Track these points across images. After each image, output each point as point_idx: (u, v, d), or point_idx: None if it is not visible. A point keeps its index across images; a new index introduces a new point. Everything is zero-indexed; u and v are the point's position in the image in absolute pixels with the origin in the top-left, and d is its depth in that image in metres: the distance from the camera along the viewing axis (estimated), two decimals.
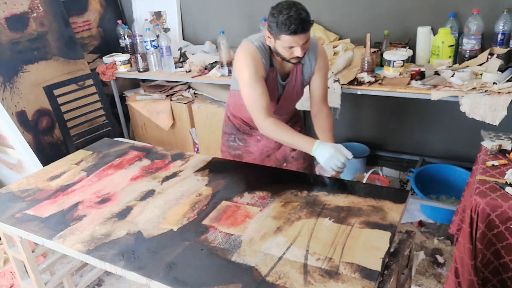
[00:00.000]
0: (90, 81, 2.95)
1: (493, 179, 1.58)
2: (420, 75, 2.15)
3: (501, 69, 2.00)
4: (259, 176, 1.65)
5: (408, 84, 2.12)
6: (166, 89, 3.17)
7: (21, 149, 2.31)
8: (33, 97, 2.92)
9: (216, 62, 2.87)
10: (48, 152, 3.01)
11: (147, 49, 2.97)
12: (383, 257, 1.12)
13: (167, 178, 1.66)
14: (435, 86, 2.04)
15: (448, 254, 2.21)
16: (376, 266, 1.09)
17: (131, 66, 3.14)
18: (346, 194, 1.44)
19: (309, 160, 2.03)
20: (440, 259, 2.18)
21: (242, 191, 1.51)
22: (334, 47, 2.59)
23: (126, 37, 3.26)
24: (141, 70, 3.03)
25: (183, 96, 3.12)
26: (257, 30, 2.89)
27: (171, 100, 3.11)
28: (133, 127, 3.47)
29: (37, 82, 2.94)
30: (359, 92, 2.22)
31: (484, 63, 2.15)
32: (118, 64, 3.10)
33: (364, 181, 2.74)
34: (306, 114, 3.17)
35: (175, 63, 2.96)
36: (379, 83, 2.20)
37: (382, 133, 2.98)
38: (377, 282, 1.05)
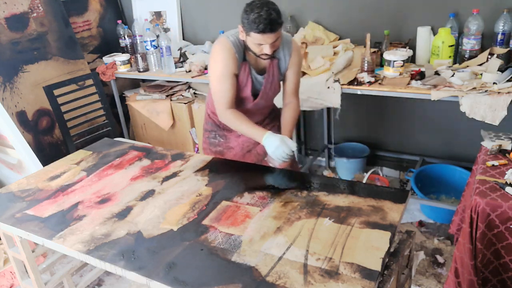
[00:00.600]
0: (90, 81, 2.95)
1: (493, 179, 1.58)
2: (420, 75, 2.15)
3: (501, 69, 2.00)
4: (259, 176, 1.65)
5: (408, 84, 2.12)
6: (166, 89, 3.17)
7: (21, 149, 2.31)
8: (33, 97, 2.92)
9: None
10: (48, 152, 3.01)
11: (147, 49, 2.97)
12: (383, 257, 1.12)
13: (167, 178, 1.66)
14: (435, 86, 2.04)
15: (448, 254, 2.21)
16: (376, 266, 1.09)
17: (131, 66, 3.14)
18: (346, 194, 1.44)
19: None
20: (440, 259, 2.18)
21: (242, 191, 1.51)
22: (334, 47, 2.59)
23: (126, 37, 3.26)
24: (141, 70, 3.03)
25: (183, 96, 3.13)
26: None
27: (171, 100, 3.11)
28: (133, 127, 3.47)
29: (37, 82, 2.94)
30: (359, 92, 2.22)
31: (484, 63, 2.15)
32: (118, 64, 3.10)
33: (364, 181, 2.75)
34: (306, 113, 3.17)
35: (175, 63, 2.96)
36: (379, 83, 2.20)
37: (382, 133, 2.98)
38: (377, 282, 1.05)
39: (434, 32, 2.37)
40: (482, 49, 2.24)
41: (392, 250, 1.26)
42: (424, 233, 2.41)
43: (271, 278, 1.08)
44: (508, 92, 1.87)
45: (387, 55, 2.19)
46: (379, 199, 1.39)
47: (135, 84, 3.59)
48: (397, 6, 2.52)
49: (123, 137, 3.39)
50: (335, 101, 2.27)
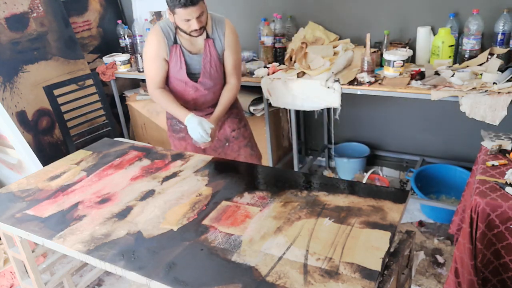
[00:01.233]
0: (90, 81, 2.95)
1: (493, 179, 1.58)
2: (420, 75, 2.15)
3: (501, 69, 2.00)
4: (259, 176, 1.65)
5: (408, 84, 2.12)
6: None
7: (21, 149, 2.31)
8: (33, 97, 2.92)
9: None
10: (48, 152, 3.01)
11: None
12: (383, 257, 1.12)
13: (167, 178, 1.66)
14: (435, 86, 2.04)
15: (448, 254, 2.21)
16: (376, 266, 1.09)
17: (131, 66, 3.14)
18: (346, 194, 1.44)
19: (249, 137, 2.25)
20: (440, 259, 2.18)
21: (242, 191, 1.51)
22: (334, 47, 2.59)
23: (126, 37, 3.26)
24: (141, 70, 3.03)
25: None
26: (257, 30, 2.90)
27: None
28: (133, 127, 3.47)
29: (37, 82, 2.94)
30: (359, 92, 2.22)
31: (484, 63, 2.15)
32: (118, 64, 3.10)
33: (364, 181, 2.75)
34: (306, 113, 3.17)
35: None
36: (379, 83, 2.20)
37: (382, 133, 2.98)
38: (377, 282, 1.05)
39: (434, 32, 2.37)
40: (482, 49, 2.24)
41: (392, 250, 1.26)
42: (424, 233, 2.41)
43: (271, 278, 1.08)
44: (508, 92, 1.87)
45: (387, 55, 2.19)
46: (379, 199, 1.39)
47: (135, 84, 3.59)
48: (397, 6, 2.52)
49: (123, 137, 3.39)
50: (335, 101, 2.27)
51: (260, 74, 2.52)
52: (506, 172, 1.60)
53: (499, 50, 2.14)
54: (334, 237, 1.22)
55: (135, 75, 3.09)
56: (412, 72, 2.20)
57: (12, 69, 2.83)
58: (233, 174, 1.66)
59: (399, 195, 1.40)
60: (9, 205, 1.58)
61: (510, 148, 1.77)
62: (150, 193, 1.56)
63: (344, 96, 2.26)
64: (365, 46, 2.29)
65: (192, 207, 1.44)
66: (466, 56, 2.25)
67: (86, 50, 3.34)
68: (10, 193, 1.68)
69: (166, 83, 2.02)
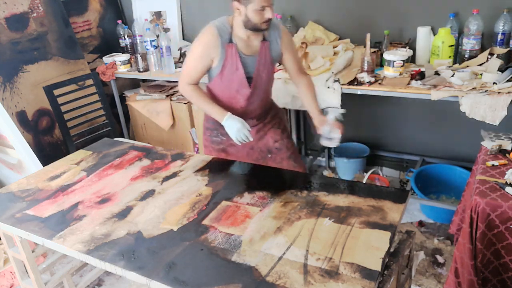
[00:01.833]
0: (90, 81, 2.95)
1: (493, 179, 1.58)
2: (420, 75, 2.15)
3: (501, 69, 2.00)
4: (259, 176, 1.65)
5: (408, 84, 2.12)
6: (166, 89, 3.16)
7: (21, 149, 2.31)
8: (33, 97, 2.92)
9: None
10: (48, 152, 3.01)
11: (147, 49, 2.97)
12: (383, 257, 1.12)
13: (167, 178, 1.66)
14: (435, 86, 2.04)
15: (448, 254, 2.21)
16: (376, 266, 1.09)
17: (131, 66, 3.14)
18: (346, 194, 1.44)
19: (292, 149, 2.13)
20: (440, 259, 2.18)
21: (242, 191, 1.51)
22: (334, 47, 2.59)
23: (126, 37, 3.26)
24: (141, 70, 3.03)
25: (183, 96, 3.12)
26: None
27: (171, 100, 3.10)
28: (133, 127, 3.47)
29: (37, 82, 2.94)
30: (359, 92, 2.22)
31: (484, 63, 2.15)
32: (118, 64, 3.10)
33: (364, 181, 2.75)
34: (306, 113, 3.17)
35: (175, 63, 2.96)
36: (379, 83, 2.20)
37: (382, 133, 2.98)
38: (377, 282, 1.05)
39: (434, 32, 2.37)
40: (482, 49, 2.24)
41: (392, 250, 1.26)
42: (424, 233, 2.41)
43: (271, 278, 1.08)
44: (508, 92, 1.87)
45: (387, 55, 2.19)
46: (379, 199, 1.39)
47: (135, 84, 3.59)
48: (397, 6, 2.52)
49: (123, 137, 3.39)
50: (335, 101, 2.27)
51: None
52: (506, 172, 1.60)
53: (499, 50, 2.14)
54: (334, 237, 1.22)
55: (135, 75, 3.09)
56: (412, 72, 2.20)
57: (12, 69, 2.83)
58: (233, 174, 1.66)
59: (399, 195, 1.40)
60: (9, 205, 1.58)
61: (510, 148, 1.77)
62: (150, 193, 1.56)
63: (344, 96, 2.26)
64: (365, 46, 2.29)
65: (192, 207, 1.44)
66: (466, 56, 2.25)
67: (86, 50, 3.34)
68: (10, 193, 1.68)
69: (215, 92, 1.94)
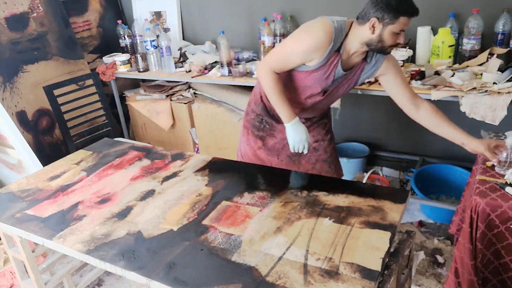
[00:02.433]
0: (90, 81, 2.95)
1: (493, 179, 1.58)
2: (420, 75, 2.15)
3: (501, 69, 2.00)
4: (259, 176, 1.65)
5: (408, 84, 2.12)
6: (166, 89, 3.17)
7: (21, 149, 2.31)
8: (33, 97, 2.92)
9: (216, 62, 2.87)
10: (48, 152, 3.01)
11: (147, 49, 2.97)
12: (383, 257, 1.12)
13: (167, 178, 1.66)
14: (435, 86, 2.04)
15: (448, 254, 2.21)
16: (376, 266, 1.09)
17: (131, 66, 3.14)
18: (346, 194, 1.44)
19: (331, 152, 2.03)
20: (440, 259, 2.18)
21: (242, 191, 1.51)
22: None
23: (126, 37, 3.26)
24: (141, 70, 3.03)
25: (183, 96, 3.13)
26: (257, 30, 2.90)
27: (171, 100, 3.11)
28: (133, 127, 3.47)
29: (37, 82, 2.94)
30: (359, 92, 2.22)
31: (484, 63, 2.15)
32: (118, 64, 3.10)
33: (364, 181, 2.75)
34: None
35: (175, 63, 2.96)
36: (379, 83, 2.19)
37: (382, 133, 2.98)
38: (377, 282, 1.05)
39: (434, 32, 2.37)
40: (482, 49, 2.24)
41: (392, 250, 1.26)
42: (424, 233, 2.41)
43: (271, 278, 1.08)
44: (508, 92, 1.87)
45: None
46: (379, 199, 1.39)
47: (135, 84, 3.59)
48: None
49: (123, 137, 3.39)
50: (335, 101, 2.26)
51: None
52: (506, 172, 1.60)
53: (499, 50, 2.14)
54: (334, 237, 1.22)
55: (135, 75, 3.09)
56: (412, 72, 2.20)
57: (12, 69, 2.83)
58: (233, 174, 1.66)
59: (399, 195, 1.40)
60: (9, 205, 1.58)
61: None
62: (150, 193, 1.56)
63: (344, 96, 2.25)
64: None
65: (192, 207, 1.44)
66: (466, 56, 2.25)
67: (86, 50, 3.34)
68: (10, 193, 1.68)
69: (289, 79, 1.75)
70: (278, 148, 1.97)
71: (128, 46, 3.28)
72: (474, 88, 1.95)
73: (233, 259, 1.17)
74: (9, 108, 2.79)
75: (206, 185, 1.58)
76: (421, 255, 2.21)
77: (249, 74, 2.61)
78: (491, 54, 2.14)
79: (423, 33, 2.36)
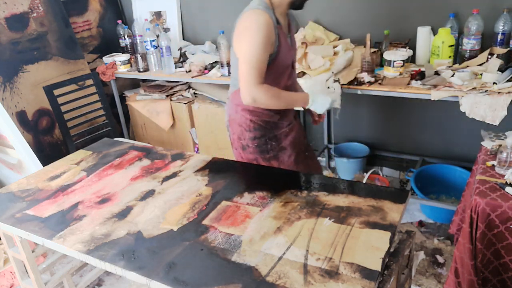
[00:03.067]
0: (90, 81, 2.95)
1: (493, 179, 1.58)
2: (420, 75, 2.15)
3: (501, 69, 2.00)
4: (259, 176, 1.65)
5: (408, 84, 2.12)
6: (166, 89, 3.17)
7: (21, 149, 2.31)
8: (33, 97, 2.92)
9: (216, 62, 2.87)
10: (48, 152, 3.01)
11: (147, 49, 2.97)
12: (383, 257, 1.12)
13: (167, 178, 1.66)
14: (435, 86, 2.04)
15: (448, 254, 2.21)
16: (376, 266, 1.09)
17: (131, 66, 3.14)
18: (346, 194, 1.44)
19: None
20: (440, 259, 2.18)
21: (242, 191, 1.51)
22: (334, 47, 2.59)
23: (126, 37, 3.26)
24: (141, 70, 3.03)
25: (183, 96, 3.13)
26: None
27: (171, 100, 3.11)
28: (133, 127, 3.47)
29: (37, 82, 2.94)
30: (359, 92, 2.22)
31: (484, 63, 2.15)
32: (118, 64, 3.10)
33: (364, 181, 2.75)
34: (306, 113, 3.17)
35: (175, 63, 2.96)
36: (379, 83, 2.20)
37: (382, 133, 2.98)
38: (377, 282, 1.05)
39: (434, 32, 2.37)
40: (482, 49, 2.24)
41: (392, 250, 1.26)
42: (424, 233, 2.41)
43: (271, 278, 1.08)
44: (508, 92, 1.87)
45: (387, 55, 2.19)
46: (379, 199, 1.39)
47: (135, 84, 3.59)
48: (397, 6, 2.52)
49: (123, 137, 3.39)
50: (335, 101, 2.27)
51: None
52: (506, 172, 1.60)
53: (499, 50, 2.14)
54: (334, 237, 1.22)
55: (135, 75, 3.09)
56: (412, 72, 2.20)
57: (12, 69, 2.83)
58: (233, 174, 1.66)
59: (399, 195, 1.40)
60: (9, 205, 1.58)
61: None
62: (150, 193, 1.56)
63: (344, 96, 2.26)
64: (365, 46, 2.29)
65: (192, 207, 1.44)
66: (466, 56, 2.25)
67: (86, 50, 3.34)
68: (10, 193, 1.68)
69: (271, 76, 1.73)
70: (292, 161, 1.89)
71: (128, 46, 3.28)
72: (474, 88, 1.95)
73: (233, 259, 1.17)
74: (9, 108, 2.79)
75: (206, 185, 1.58)
76: (421, 255, 2.21)
77: None
78: (491, 54, 2.14)
79: (423, 33, 2.36)
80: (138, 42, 3.21)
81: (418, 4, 2.46)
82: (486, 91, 1.92)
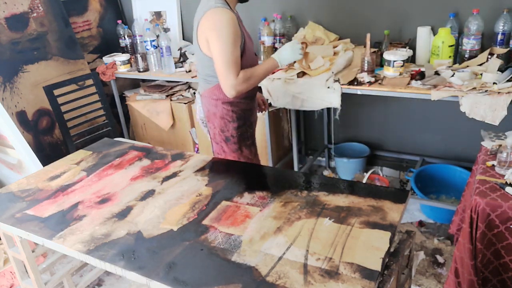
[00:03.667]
0: (90, 81, 2.95)
1: (493, 179, 1.58)
2: (420, 75, 2.15)
3: (501, 69, 2.00)
4: (259, 176, 1.65)
5: (408, 84, 2.12)
6: (166, 89, 3.17)
7: (21, 149, 2.31)
8: (33, 97, 2.92)
9: None
10: (48, 152, 3.01)
11: (147, 49, 2.97)
12: (383, 257, 1.12)
13: (167, 178, 1.66)
14: (435, 86, 2.04)
15: (448, 254, 2.21)
16: (376, 266, 1.09)
17: (131, 66, 3.14)
18: (346, 194, 1.44)
19: None
20: (440, 259, 2.18)
21: (242, 191, 1.51)
22: (334, 47, 2.59)
23: (126, 37, 3.26)
24: (141, 70, 3.03)
25: (183, 96, 3.13)
26: (257, 30, 2.90)
27: (171, 100, 3.11)
28: (133, 127, 3.47)
29: (37, 82, 2.94)
30: (359, 92, 2.22)
31: (484, 63, 2.15)
32: (118, 64, 3.10)
33: (364, 181, 2.75)
34: (306, 113, 3.17)
35: (175, 63, 2.96)
36: (379, 83, 2.20)
37: (382, 133, 2.98)
38: (377, 282, 1.05)
39: (434, 32, 2.37)
40: (482, 49, 2.24)
41: (392, 250, 1.26)
42: (424, 233, 2.41)
43: (271, 278, 1.08)
44: (508, 92, 1.87)
45: (387, 55, 2.19)
46: (379, 199, 1.39)
47: (135, 84, 3.59)
48: (397, 6, 2.52)
49: (123, 137, 3.39)
50: (335, 101, 2.27)
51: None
52: (506, 172, 1.60)
53: (499, 50, 2.14)
54: (334, 237, 1.22)
55: (135, 75, 3.09)
56: (412, 72, 2.20)
57: (12, 69, 2.83)
58: (233, 174, 1.66)
59: (399, 195, 1.40)
60: (9, 205, 1.58)
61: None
62: (150, 193, 1.56)
63: (344, 96, 2.26)
64: (365, 46, 2.29)
65: (192, 207, 1.44)
66: (466, 56, 2.25)
67: (86, 50, 3.34)
68: (10, 193, 1.68)
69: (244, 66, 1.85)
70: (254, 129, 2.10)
71: (128, 46, 3.28)
72: (474, 88, 1.95)
73: (233, 259, 1.17)
74: (9, 108, 2.79)
75: (206, 185, 1.58)
76: (421, 255, 2.21)
77: None
78: (491, 54, 2.14)
79: (423, 33, 2.36)
80: (138, 42, 3.21)
81: (418, 4, 2.46)
82: (486, 91, 1.92)
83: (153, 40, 2.93)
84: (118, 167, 1.80)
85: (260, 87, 2.42)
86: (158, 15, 3.40)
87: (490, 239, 1.52)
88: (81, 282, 2.01)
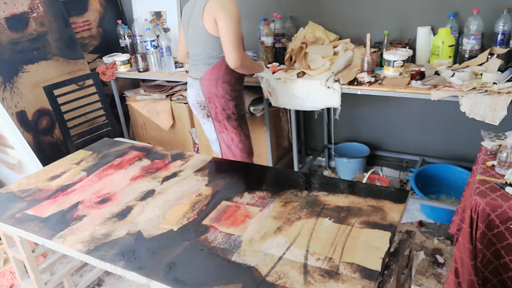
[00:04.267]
0: (90, 81, 2.95)
1: (493, 179, 1.58)
2: (420, 75, 2.15)
3: (501, 69, 2.00)
4: (259, 176, 1.65)
5: (408, 84, 2.12)
6: (166, 89, 3.17)
7: (21, 149, 2.31)
8: (33, 97, 2.92)
9: None
10: (48, 152, 3.01)
11: (147, 49, 2.97)
12: (383, 257, 1.12)
13: (167, 178, 1.66)
14: (435, 86, 2.04)
15: (448, 254, 2.21)
16: (376, 266, 1.09)
17: (131, 66, 3.14)
18: (346, 194, 1.44)
19: None
20: (440, 259, 2.18)
21: (242, 191, 1.51)
22: (334, 47, 2.59)
23: (126, 37, 3.26)
24: (141, 70, 3.03)
25: (183, 96, 3.12)
26: (257, 30, 2.89)
27: (171, 100, 3.11)
28: (133, 127, 3.47)
29: (37, 82, 2.94)
30: (359, 92, 2.22)
31: (484, 63, 2.15)
32: (118, 64, 3.10)
33: (364, 181, 2.75)
34: (306, 113, 3.17)
35: (175, 63, 2.96)
36: (379, 83, 2.20)
37: (382, 133, 2.98)
38: (377, 282, 1.05)
39: (434, 32, 2.37)
40: (482, 49, 2.24)
41: (392, 250, 1.26)
42: (424, 233, 2.41)
43: (271, 278, 1.08)
44: (508, 92, 1.87)
45: (387, 55, 2.19)
46: (379, 199, 1.39)
47: (135, 84, 3.59)
48: (397, 6, 2.52)
49: (123, 137, 3.39)
50: (335, 101, 2.27)
51: (260, 74, 2.52)
52: (506, 172, 1.60)
53: (499, 50, 2.14)
54: (334, 237, 1.22)
55: (135, 75, 3.09)
56: (412, 72, 2.20)
57: (12, 69, 2.83)
58: (233, 174, 1.66)
59: (399, 195, 1.40)
60: (9, 205, 1.58)
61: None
62: (150, 193, 1.56)
63: (344, 96, 2.26)
64: (365, 46, 2.29)
65: (192, 207, 1.44)
66: (466, 56, 2.25)
67: (86, 50, 3.34)
68: (10, 193, 1.68)
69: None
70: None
71: (128, 46, 3.28)
72: (474, 88, 1.95)
73: (233, 259, 1.17)
74: (9, 108, 2.79)
75: (206, 185, 1.58)
76: (421, 255, 2.21)
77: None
78: (491, 54, 2.14)
79: (423, 33, 2.36)
80: (138, 42, 3.21)
81: (418, 4, 2.46)
82: (486, 91, 1.92)
83: (153, 40, 2.93)
84: (118, 167, 1.80)
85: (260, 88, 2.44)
86: (158, 15, 3.40)
87: (490, 239, 1.52)
88: (81, 282, 2.01)
